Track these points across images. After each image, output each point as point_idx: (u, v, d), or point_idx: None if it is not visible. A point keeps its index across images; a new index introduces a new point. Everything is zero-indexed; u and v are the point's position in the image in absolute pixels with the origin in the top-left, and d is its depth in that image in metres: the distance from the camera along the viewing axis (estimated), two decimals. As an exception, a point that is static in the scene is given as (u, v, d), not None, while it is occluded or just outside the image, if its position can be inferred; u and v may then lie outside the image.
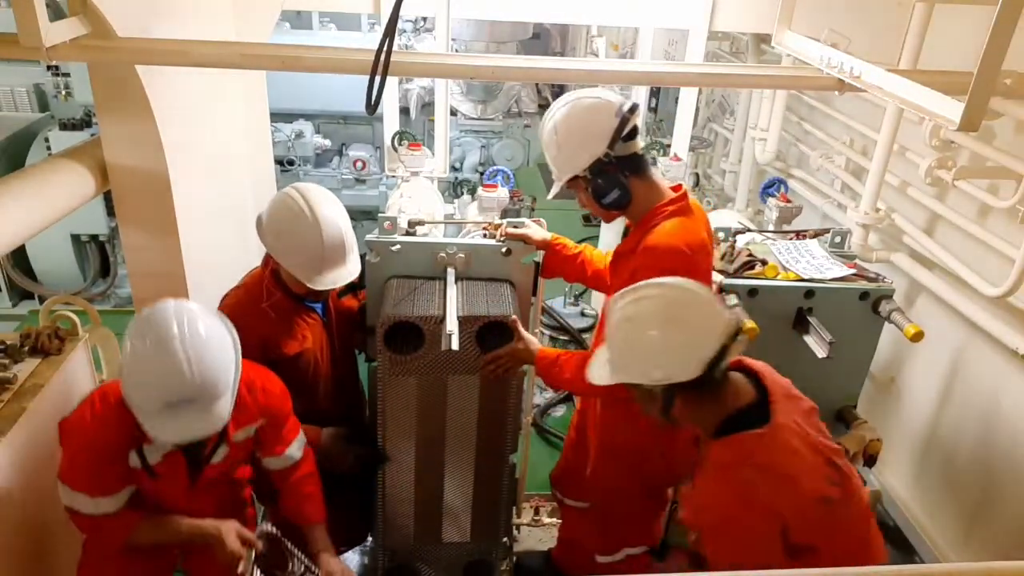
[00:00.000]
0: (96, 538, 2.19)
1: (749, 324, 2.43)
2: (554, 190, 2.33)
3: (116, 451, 2.03)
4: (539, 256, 2.67)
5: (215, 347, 1.93)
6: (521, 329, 2.46)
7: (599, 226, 5.68)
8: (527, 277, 2.62)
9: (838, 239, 2.97)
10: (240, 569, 2.23)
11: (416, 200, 3.44)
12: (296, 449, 2.37)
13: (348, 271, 2.47)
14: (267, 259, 2.54)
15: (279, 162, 5.78)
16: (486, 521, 2.83)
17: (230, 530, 2.18)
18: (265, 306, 2.46)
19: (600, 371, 1.92)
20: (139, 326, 1.92)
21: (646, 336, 1.80)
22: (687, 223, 2.26)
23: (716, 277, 2.61)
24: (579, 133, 2.20)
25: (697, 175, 6.08)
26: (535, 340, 2.51)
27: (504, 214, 3.05)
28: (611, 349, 1.89)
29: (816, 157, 4.33)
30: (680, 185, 2.36)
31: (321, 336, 2.63)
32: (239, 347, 2.01)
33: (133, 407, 1.91)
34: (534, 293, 2.72)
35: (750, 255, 2.76)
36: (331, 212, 2.42)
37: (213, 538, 2.17)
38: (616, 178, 2.22)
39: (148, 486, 2.14)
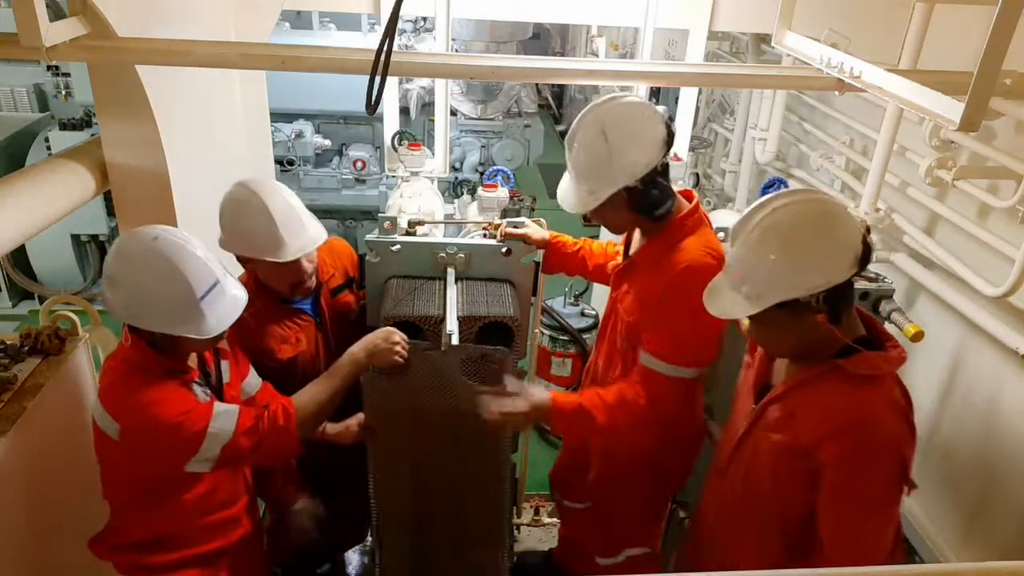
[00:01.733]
0: (276, 437, 2.05)
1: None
2: (588, 205, 2.06)
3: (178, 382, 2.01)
4: (539, 256, 2.67)
5: None
6: (519, 384, 2.17)
7: (599, 226, 5.67)
8: (527, 277, 2.61)
9: (838, 239, 2.95)
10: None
11: (416, 200, 3.43)
12: (254, 375, 2.37)
13: (311, 237, 2.36)
14: (245, 267, 2.44)
15: (279, 162, 5.78)
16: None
17: (380, 330, 2.26)
18: (246, 315, 2.26)
19: (740, 308, 1.74)
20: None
21: (800, 240, 1.68)
22: (708, 235, 2.22)
23: (716, 277, 2.61)
24: (636, 138, 2.01)
25: (697, 175, 6.07)
26: (541, 391, 2.23)
27: (504, 214, 3.05)
28: (750, 278, 1.74)
29: (816, 157, 4.33)
30: (691, 192, 2.30)
31: (315, 337, 2.58)
32: None
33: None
34: (534, 293, 2.71)
35: (750, 255, 2.75)
36: (266, 186, 2.35)
37: (375, 343, 2.22)
38: (666, 186, 2.07)
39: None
